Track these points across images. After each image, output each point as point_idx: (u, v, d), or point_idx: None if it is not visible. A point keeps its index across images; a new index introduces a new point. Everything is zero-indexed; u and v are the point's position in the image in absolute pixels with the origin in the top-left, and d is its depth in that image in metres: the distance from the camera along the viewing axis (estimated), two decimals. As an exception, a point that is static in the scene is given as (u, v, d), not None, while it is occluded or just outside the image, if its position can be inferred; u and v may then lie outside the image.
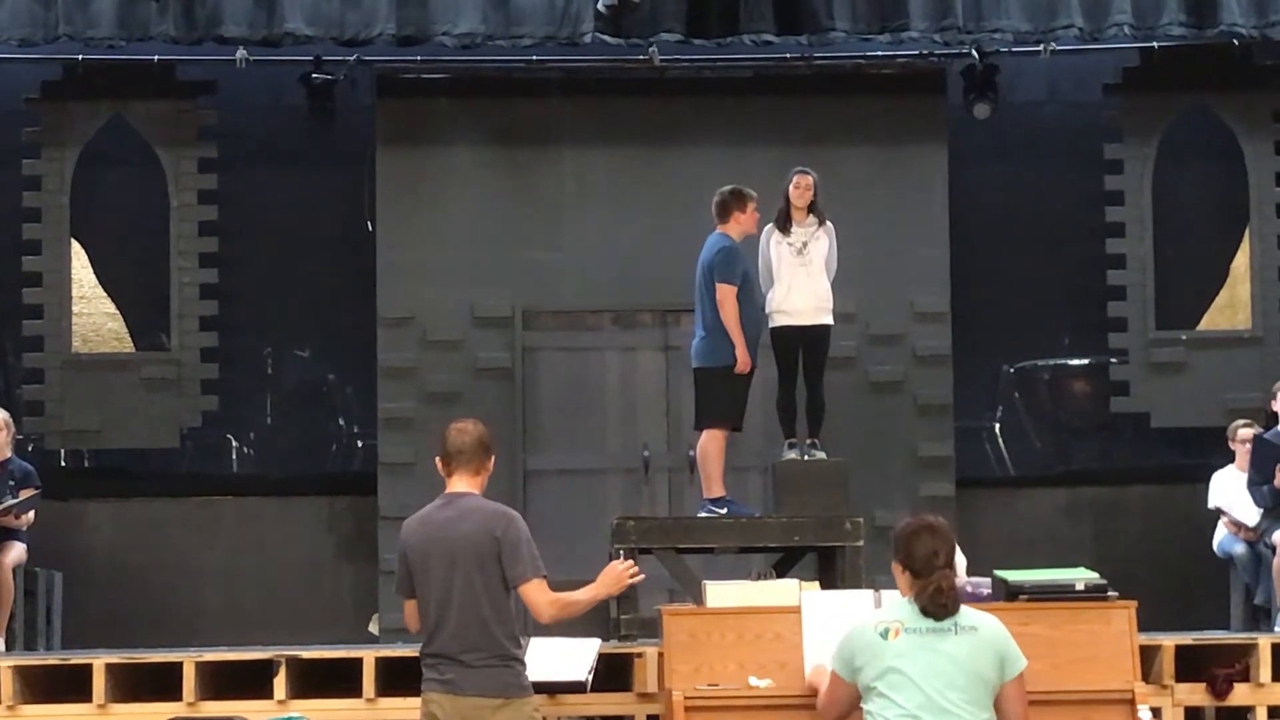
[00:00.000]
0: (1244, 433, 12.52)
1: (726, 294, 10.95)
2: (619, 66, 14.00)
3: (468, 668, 6.92)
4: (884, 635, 6.36)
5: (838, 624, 7.31)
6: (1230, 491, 12.43)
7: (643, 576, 7.29)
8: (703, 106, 14.27)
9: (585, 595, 7.09)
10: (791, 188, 11.25)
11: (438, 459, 7.15)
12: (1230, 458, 12.68)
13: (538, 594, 6.97)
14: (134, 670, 9.46)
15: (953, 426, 14.24)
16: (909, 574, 6.44)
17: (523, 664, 7.07)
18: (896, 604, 6.48)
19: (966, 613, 6.49)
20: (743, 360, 10.96)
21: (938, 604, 6.35)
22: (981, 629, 6.40)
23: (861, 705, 6.38)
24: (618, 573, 7.15)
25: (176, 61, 14.02)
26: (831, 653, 6.74)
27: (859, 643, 6.41)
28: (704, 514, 11.07)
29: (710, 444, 11.06)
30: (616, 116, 14.31)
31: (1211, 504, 12.60)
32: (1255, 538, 12.13)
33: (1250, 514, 12.11)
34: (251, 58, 13.51)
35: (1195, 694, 9.44)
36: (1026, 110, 14.57)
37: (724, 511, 10.99)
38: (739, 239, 11.12)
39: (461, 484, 7.11)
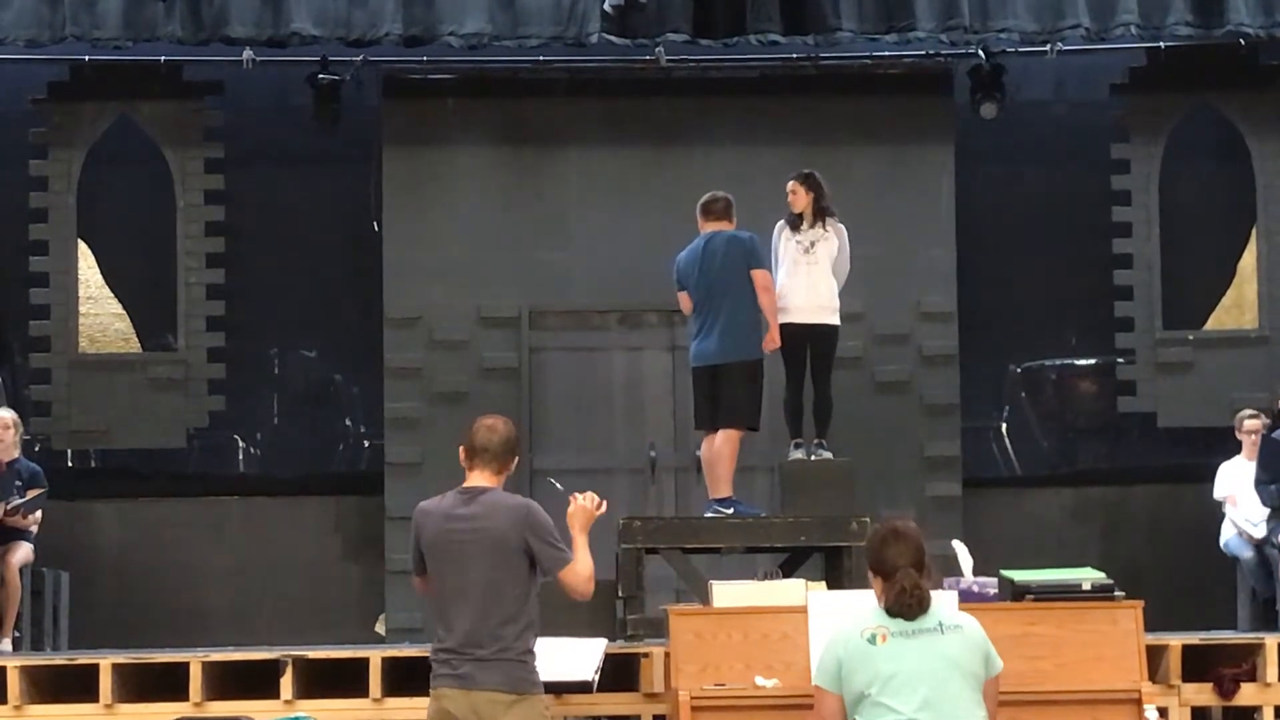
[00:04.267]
0: (1250, 424, 12.51)
1: (768, 279, 11.01)
2: (625, 67, 14.00)
3: (484, 662, 6.92)
4: (872, 641, 6.32)
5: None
6: (1237, 482, 12.40)
7: (605, 506, 7.26)
8: (709, 107, 14.26)
9: (584, 552, 7.09)
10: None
11: (461, 449, 7.16)
12: (1238, 448, 12.65)
13: (573, 575, 7.02)
14: (141, 670, 9.47)
15: (959, 426, 14.23)
16: (879, 579, 6.43)
17: (535, 660, 7.09)
18: (874, 610, 6.44)
19: (948, 611, 6.47)
20: (772, 339, 11.03)
21: (903, 604, 6.33)
22: (966, 627, 6.39)
23: (853, 716, 6.32)
24: (587, 511, 7.16)
25: (183, 62, 14.02)
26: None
27: (845, 651, 6.35)
28: (710, 514, 11.07)
29: (726, 445, 11.04)
30: (623, 117, 14.31)
31: (1217, 494, 12.57)
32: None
33: (1256, 509, 12.08)
34: (258, 58, 13.51)
35: (1202, 694, 9.42)
36: (1033, 110, 14.56)
37: (730, 511, 10.99)
38: None
39: (482, 479, 7.13)
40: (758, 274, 11.01)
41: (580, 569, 7.04)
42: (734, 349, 11.00)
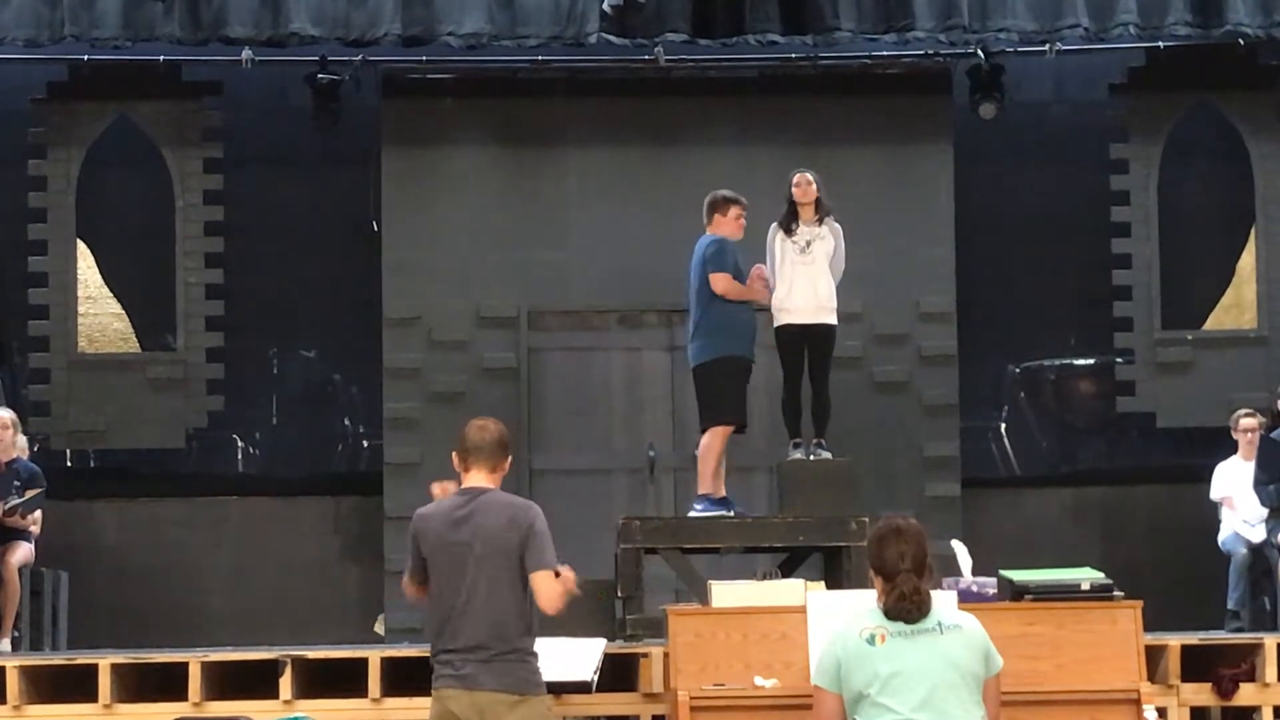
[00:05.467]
0: (1246, 422, 12.50)
1: (725, 281, 11.02)
2: (624, 66, 14.01)
3: (486, 663, 6.92)
4: (870, 641, 6.31)
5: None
6: (1233, 482, 12.38)
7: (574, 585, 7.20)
8: (708, 106, 14.26)
9: (565, 585, 7.06)
10: (793, 186, 11.35)
11: (454, 454, 7.16)
12: (1234, 449, 12.64)
13: (547, 584, 6.98)
14: (140, 670, 9.47)
15: (958, 426, 14.23)
16: (880, 579, 6.41)
17: (537, 660, 7.09)
18: (874, 610, 6.42)
19: (948, 611, 6.46)
20: (762, 293, 11.16)
21: (902, 608, 6.31)
22: (965, 626, 6.38)
23: (853, 716, 6.31)
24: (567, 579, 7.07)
25: (182, 62, 14.02)
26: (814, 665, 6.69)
27: (844, 651, 6.33)
28: (692, 513, 11.10)
29: (713, 442, 11.09)
30: (621, 116, 14.31)
31: (1214, 495, 12.55)
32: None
33: (1253, 510, 12.05)
34: (257, 58, 13.51)
35: (1201, 694, 9.42)
36: (1032, 110, 14.56)
37: (700, 508, 11.02)
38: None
39: (479, 479, 7.13)
40: (713, 278, 11.05)
41: (555, 585, 6.94)
42: (707, 348, 11.14)
